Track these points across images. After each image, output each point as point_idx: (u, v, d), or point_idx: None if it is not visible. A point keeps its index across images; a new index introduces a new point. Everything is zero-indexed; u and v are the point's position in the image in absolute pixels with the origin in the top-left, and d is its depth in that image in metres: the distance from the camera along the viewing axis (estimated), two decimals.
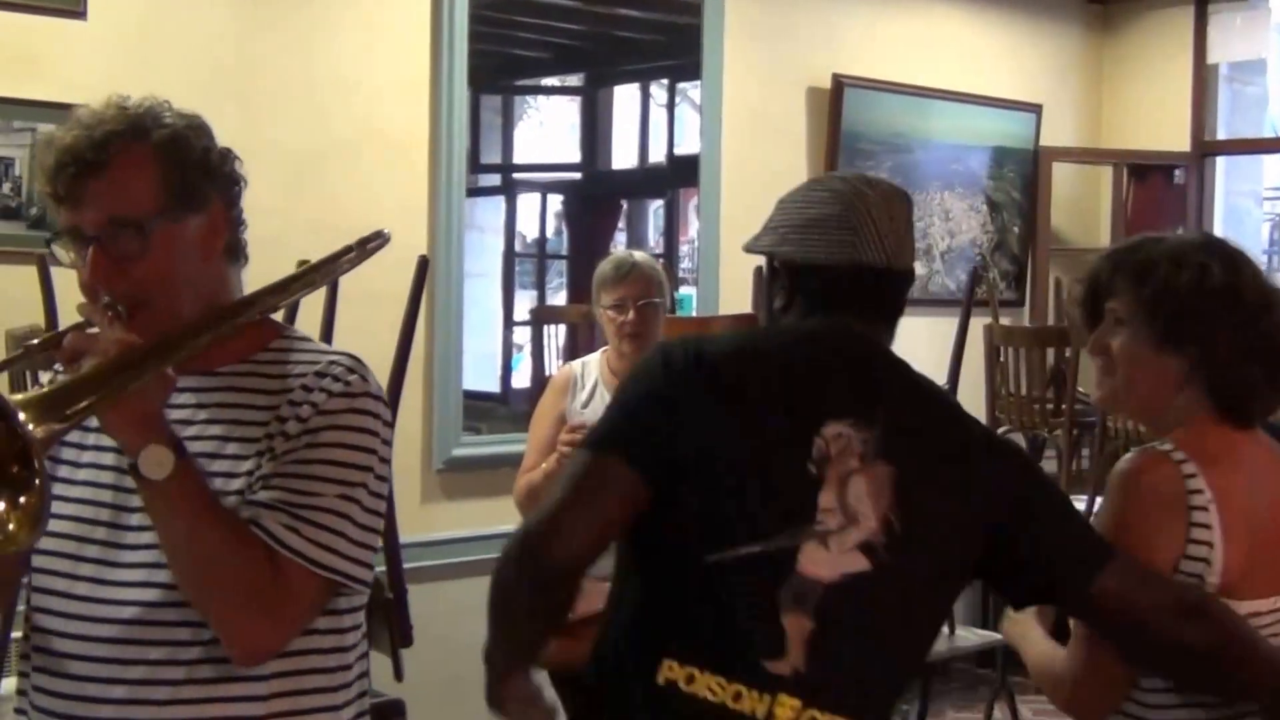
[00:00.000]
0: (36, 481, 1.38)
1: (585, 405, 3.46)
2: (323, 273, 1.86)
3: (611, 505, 1.84)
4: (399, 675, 3.30)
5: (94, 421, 1.63)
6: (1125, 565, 1.86)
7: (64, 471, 1.72)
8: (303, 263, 3.22)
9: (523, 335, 7.75)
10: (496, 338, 7.34)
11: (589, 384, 3.51)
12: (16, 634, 1.78)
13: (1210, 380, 1.98)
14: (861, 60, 5.81)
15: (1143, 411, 2.11)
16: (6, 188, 3.78)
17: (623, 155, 7.90)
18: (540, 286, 7.83)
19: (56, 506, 1.67)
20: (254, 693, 1.64)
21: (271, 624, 1.60)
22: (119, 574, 1.64)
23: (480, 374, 6.16)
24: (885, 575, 1.77)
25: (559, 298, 7.93)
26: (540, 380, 7.45)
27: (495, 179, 7.59)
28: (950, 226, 6.19)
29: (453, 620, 4.29)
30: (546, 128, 8.45)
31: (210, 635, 1.60)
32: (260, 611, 1.58)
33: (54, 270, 3.25)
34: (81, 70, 3.85)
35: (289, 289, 1.80)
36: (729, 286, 5.31)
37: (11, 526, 1.41)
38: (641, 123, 7.78)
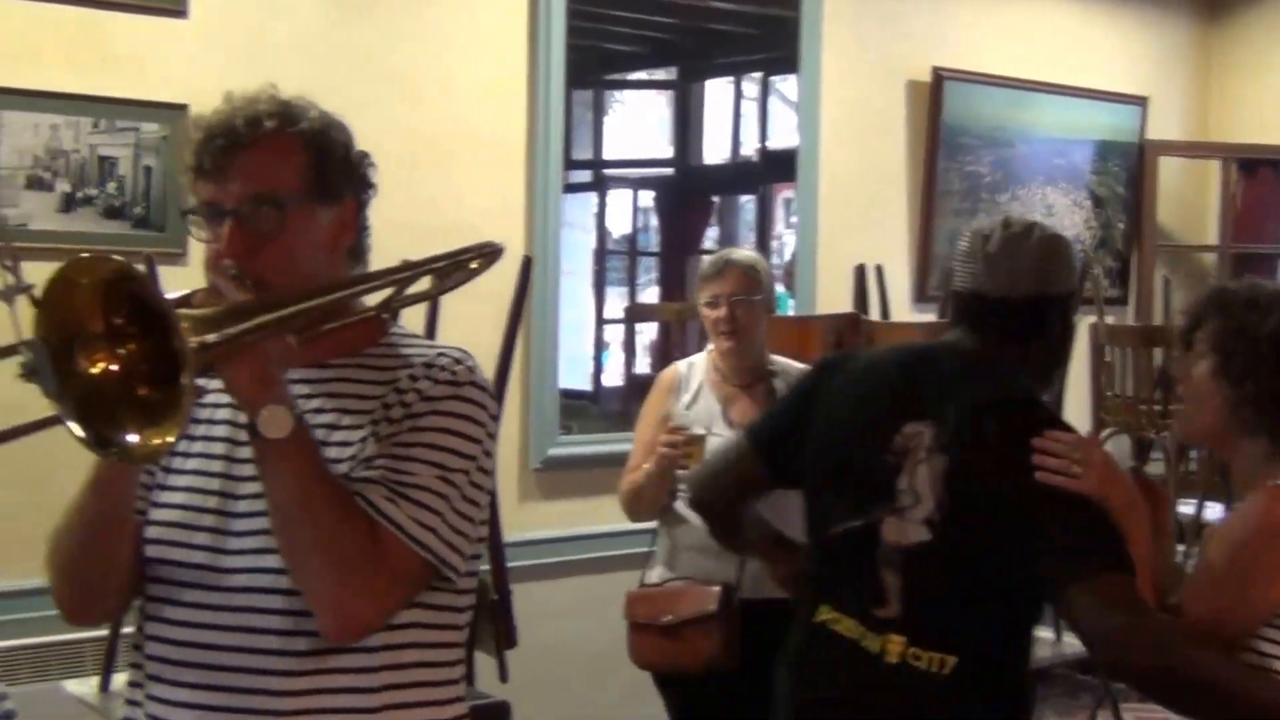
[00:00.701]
0: (185, 384, 1.38)
1: (689, 405, 3.42)
2: (438, 273, 1.84)
3: (732, 475, 2.58)
4: (504, 676, 3.28)
5: (202, 412, 1.69)
6: (1105, 586, 2.03)
7: (175, 462, 1.74)
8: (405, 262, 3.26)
9: (612, 333, 7.73)
10: (587, 336, 7.31)
11: (694, 384, 3.46)
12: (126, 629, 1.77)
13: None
14: (962, 53, 5.70)
15: (1208, 439, 2.32)
16: (111, 187, 3.80)
17: (714, 150, 7.84)
18: (631, 283, 7.78)
19: (166, 495, 1.71)
20: (364, 684, 1.64)
21: (368, 597, 1.59)
22: (228, 560, 1.65)
23: (571, 372, 6.13)
24: (943, 543, 2.17)
25: (650, 295, 7.89)
26: (632, 379, 7.43)
27: (586, 175, 7.56)
28: (1052, 222, 6.04)
29: (553, 620, 4.29)
30: (637, 122, 8.41)
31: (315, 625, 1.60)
32: (358, 584, 1.57)
33: (160, 268, 3.27)
34: (182, 69, 3.87)
35: (405, 278, 1.79)
36: (825, 284, 5.23)
37: (155, 439, 1.41)
38: (734, 117, 7.71)
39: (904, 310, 5.33)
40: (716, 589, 3.27)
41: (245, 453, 1.65)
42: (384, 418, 1.66)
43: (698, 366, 3.49)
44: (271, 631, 1.62)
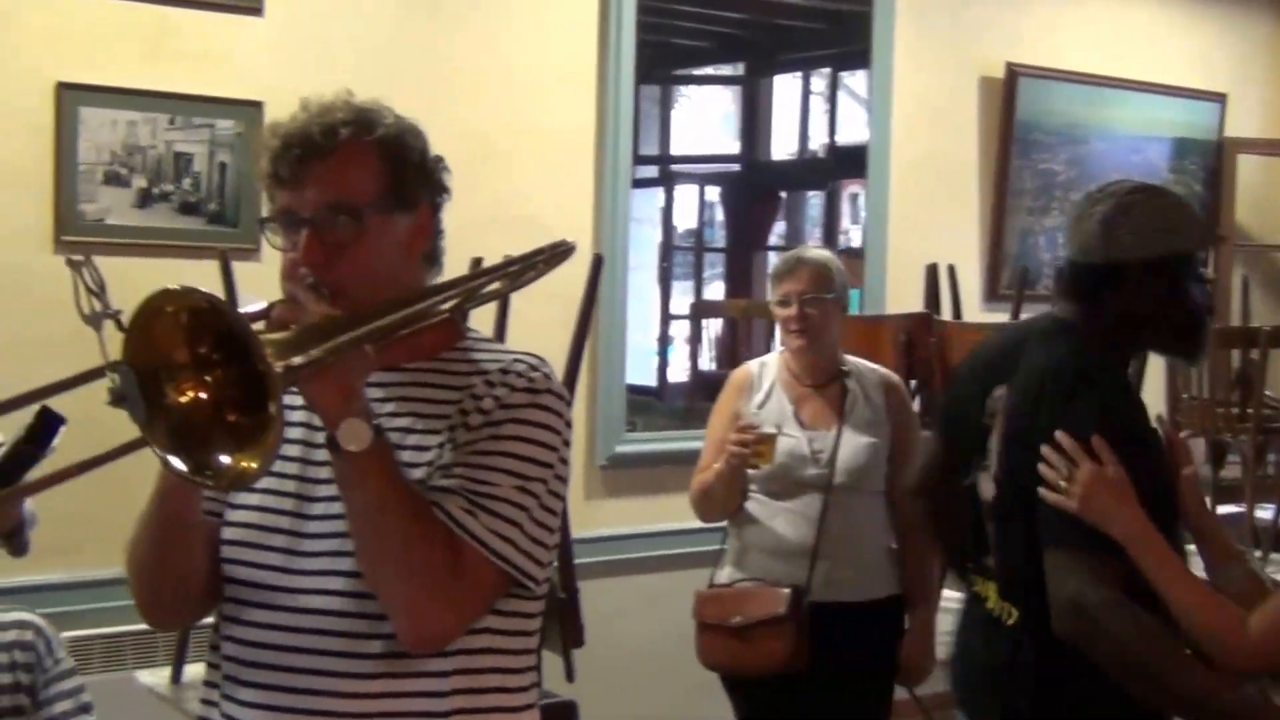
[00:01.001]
0: (272, 411, 1.38)
1: (761, 405, 3.39)
2: (511, 275, 1.85)
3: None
4: (570, 676, 3.27)
5: None
6: (1074, 556, 2.15)
7: None
8: (477, 260, 3.26)
9: (677, 328, 7.71)
10: (652, 331, 7.29)
11: (766, 384, 3.43)
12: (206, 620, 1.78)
13: None
14: (1036, 48, 5.64)
15: None
16: (186, 183, 3.83)
17: (782, 146, 7.80)
18: (697, 279, 7.76)
19: (242, 497, 1.71)
20: (435, 689, 1.64)
21: (448, 609, 1.59)
22: (303, 562, 1.66)
23: (635, 368, 6.13)
24: (1000, 501, 2.33)
25: (715, 291, 7.86)
26: (698, 375, 7.42)
27: (652, 170, 7.54)
28: None
29: (619, 619, 4.28)
30: (704, 118, 8.39)
31: (390, 630, 1.60)
32: (437, 594, 1.57)
33: (234, 264, 3.29)
34: (258, 66, 3.89)
35: (481, 284, 1.80)
36: (896, 281, 5.19)
37: (245, 463, 1.42)
38: (801, 112, 7.67)
39: (974, 310, 5.27)
40: (786, 591, 3.25)
41: (320, 456, 1.64)
42: (461, 424, 1.65)
43: (770, 366, 3.46)
44: (345, 635, 1.62)
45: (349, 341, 1.51)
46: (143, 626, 3.66)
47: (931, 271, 4.59)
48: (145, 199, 3.78)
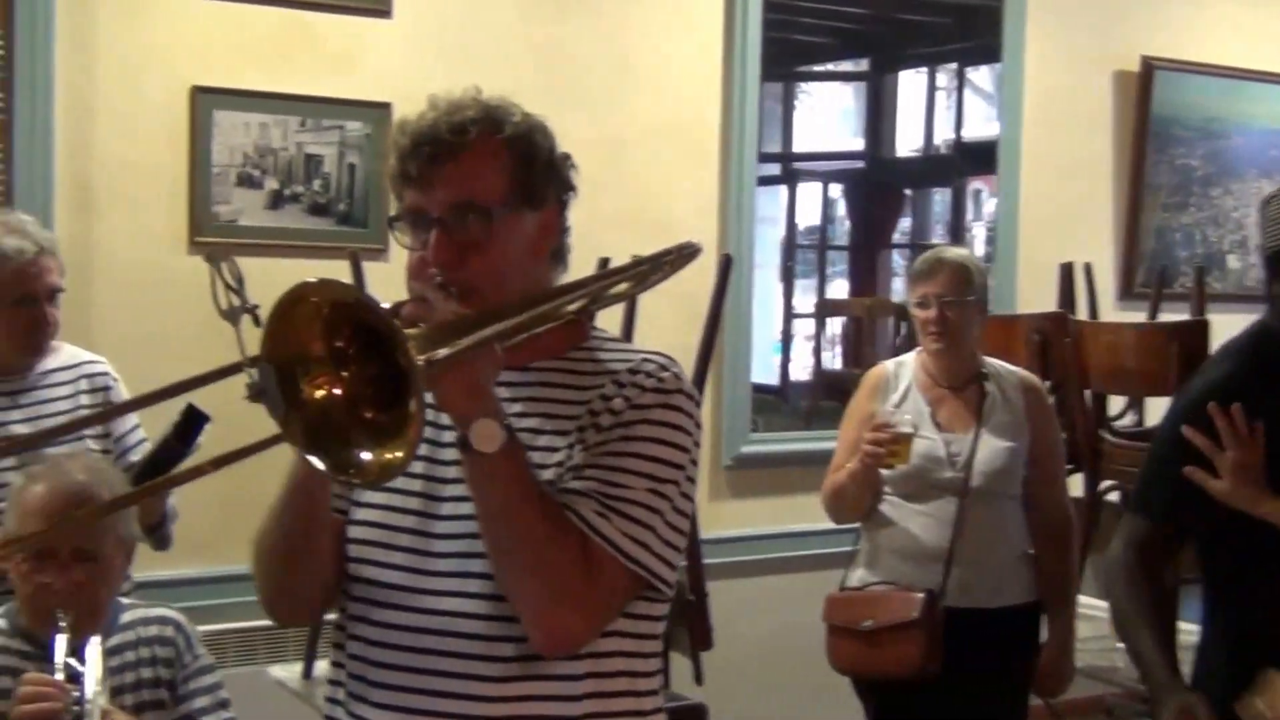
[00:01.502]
0: (413, 406, 1.36)
1: (897, 406, 3.33)
2: (639, 275, 1.83)
3: None
4: (699, 678, 3.25)
5: None
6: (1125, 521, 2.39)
7: None
8: (603, 260, 3.25)
9: (799, 327, 7.65)
10: (774, 330, 7.24)
11: (902, 385, 3.37)
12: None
13: None
14: (1173, 41, 5.49)
15: None
16: (316, 184, 3.88)
17: (906, 142, 7.70)
18: (820, 278, 7.69)
19: (367, 496, 1.70)
20: (567, 692, 1.62)
21: (580, 612, 1.57)
22: (432, 563, 1.64)
23: (757, 368, 6.08)
24: None
25: (837, 289, 7.79)
26: (821, 375, 7.35)
27: (774, 168, 7.49)
28: None
29: (745, 620, 4.25)
30: (826, 114, 8.31)
31: (521, 632, 1.58)
32: (570, 598, 1.55)
33: (364, 264, 3.32)
34: (386, 68, 3.93)
35: (609, 284, 1.79)
36: (1028, 280, 5.08)
37: (388, 455, 1.39)
38: (927, 108, 7.57)
39: (1108, 309, 5.15)
40: (919, 595, 3.19)
41: (447, 455, 1.63)
42: (591, 425, 1.63)
43: (906, 366, 3.40)
44: (477, 638, 1.60)
45: (482, 340, 1.49)
46: (269, 618, 3.75)
47: (1066, 270, 4.48)
48: (276, 200, 3.83)
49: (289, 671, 3.54)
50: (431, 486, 1.67)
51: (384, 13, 3.93)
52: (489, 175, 1.64)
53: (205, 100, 3.73)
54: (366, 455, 1.40)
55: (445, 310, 1.54)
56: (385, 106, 3.85)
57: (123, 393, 2.96)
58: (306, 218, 3.87)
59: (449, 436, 1.58)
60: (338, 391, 1.42)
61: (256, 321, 1.48)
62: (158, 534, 2.94)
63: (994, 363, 3.40)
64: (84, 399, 2.89)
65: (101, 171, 3.66)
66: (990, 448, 3.26)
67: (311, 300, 1.38)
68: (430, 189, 1.64)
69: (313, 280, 1.39)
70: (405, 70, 3.90)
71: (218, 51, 3.76)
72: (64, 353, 2.93)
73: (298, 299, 1.38)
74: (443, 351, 1.41)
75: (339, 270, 3.33)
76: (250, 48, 3.80)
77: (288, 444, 1.44)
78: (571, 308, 1.72)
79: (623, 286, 1.83)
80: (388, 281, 2.90)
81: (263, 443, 1.48)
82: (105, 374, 2.95)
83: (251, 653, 3.80)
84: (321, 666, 3.40)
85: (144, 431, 2.91)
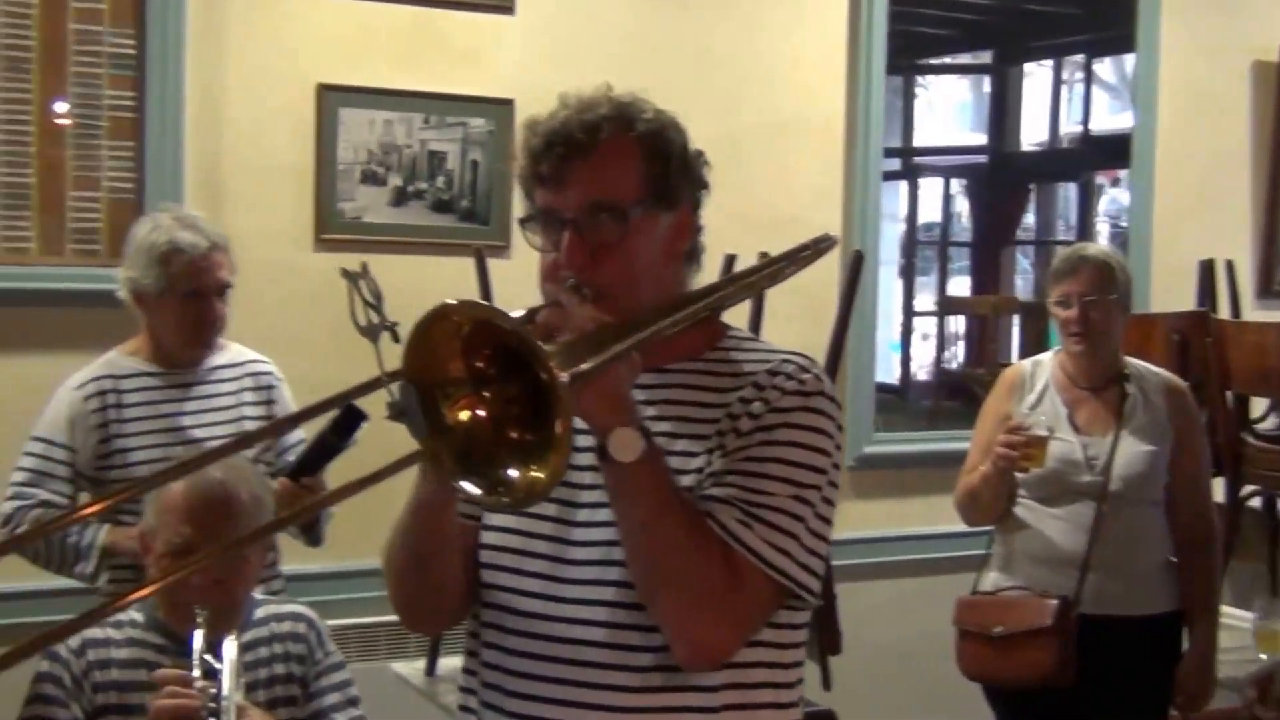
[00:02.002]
0: (559, 426, 1.33)
1: (1033, 407, 3.25)
2: (775, 271, 1.82)
3: None
4: (827, 684, 3.20)
5: None
6: None
7: None
8: (730, 257, 3.20)
9: (919, 324, 7.54)
10: (894, 328, 7.16)
11: (1039, 385, 3.29)
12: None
13: None
14: None
15: None
16: (440, 181, 3.88)
17: (1031, 136, 7.55)
18: (941, 275, 7.58)
19: (497, 517, 1.67)
20: (705, 703, 1.58)
21: (723, 624, 1.53)
22: (568, 572, 1.61)
23: (877, 367, 6.01)
24: None
25: (957, 286, 7.67)
26: (943, 374, 7.24)
27: (895, 163, 7.40)
28: None
29: (871, 624, 4.17)
30: (947, 108, 8.19)
31: (661, 642, 1.55)
32: (713, 609, 1.51)
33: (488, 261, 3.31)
34: (508, 64, 3.92)
35: (748, 283, 1.77)
36: (1163, 277, 4.93)
37: (534, 473, 1.37)
38: (1052, 101, 7.42)
39: (1247, 308, 4.98)
40: (1053, 602, 3.12)
41: (583, 461, 1.59)
42: (730, 429, 1.59)
43: (1044, 366, 3.32)
44: (615, 648, 1.58)
45: (625, 350, 1.46)
46: (397, 618, 3.76)
47: (1206, 267, 4.34)
48: (400, 197, 3.84)
49: (411, 668, 3.55)
50: (568, 494, 1.63)
51: (507, 9, 3.93)
52: (621, 174, 1.61)
53: (331, 98, 3.75)
54: (515, 474, 1.37)
55: (580, 314, 1.50)
56: (508, 103, 3.84)
57: (286, 393, 3.02)
58: (429, 215, 3.87)
59: (585, 443, 1.54)
60: (481, 413, 1.39)
61: (395, 338, 1.45)
62: (312, 533, 2.98)
63: (1136, 363, 3.30)
64: (248, 396, 2.95)
65: (230, 170, 3.69)
66: (1130, 451, 3.17)
67: (453, 319, 1.36)
68: (562, 189, 1.61)
69: (450, 302, 1.37)
70: (528, 67, 3.89)
71: (344, 49, 3.78)
72: (231, 350, 2.99)
73: (439, 317, 1.36)
74: (585, 366, 1.38)
75: (462, 267, 3.33)
76: (375, 45, 3.81)
77: (429, 464, 1.42)
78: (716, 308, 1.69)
79: (756, 281, 1.80)
80: (510, 279, 2.90)
81: (404, 460, 1.45)
82: (270, 373, 3.02)
83: (373, 648, 3.82)
84: (444, 664, 3.40)
85: (303, 432, 2.95)
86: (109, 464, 2.82)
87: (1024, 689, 3.20)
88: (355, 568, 3.59)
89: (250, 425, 2.90)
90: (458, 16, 3.88)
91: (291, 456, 2.89)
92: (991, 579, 3.30)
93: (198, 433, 2.84)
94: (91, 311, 3.46)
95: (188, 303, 2.83)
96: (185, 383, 2.90)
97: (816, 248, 1.82)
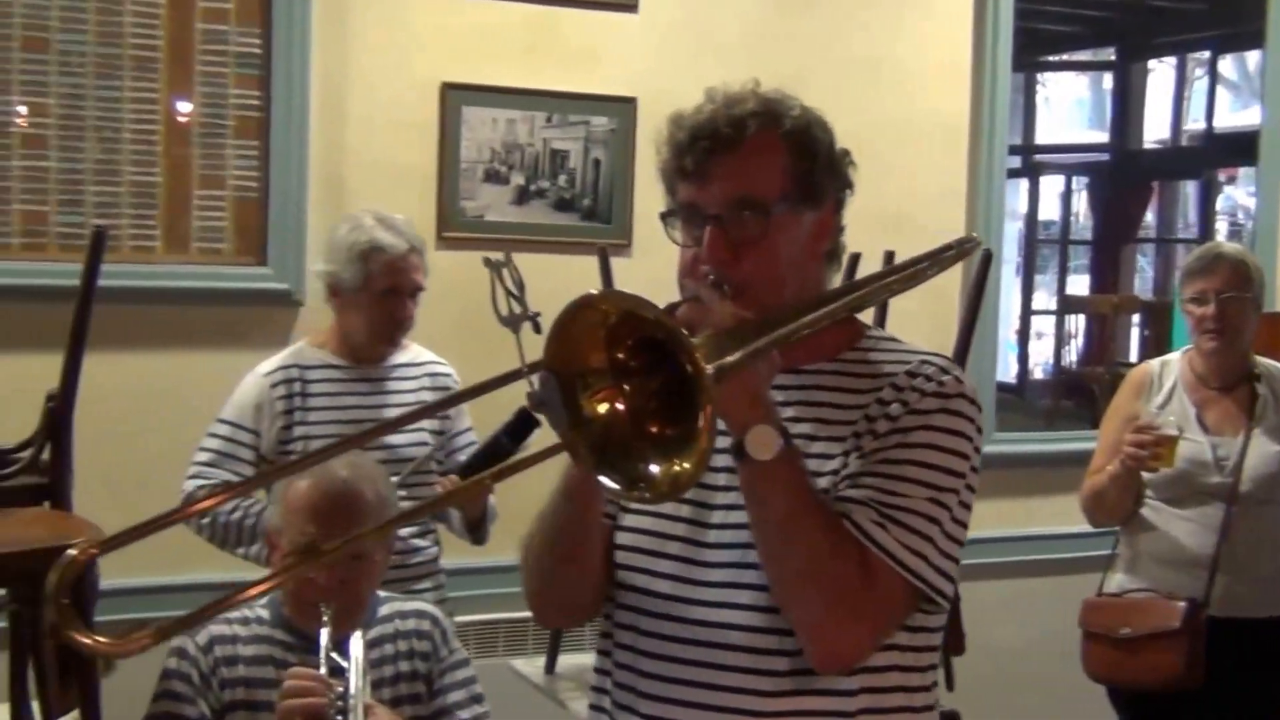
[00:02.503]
0: (702, 418, 1.31)
1: (1162, 406, 3.21)
2: (911, 273, 1.78)
3: None
4: (950, 684, 3.17)
5: None
6: None
7: None
8: (855, 255, 3.19)
9: (1034, 324, 7.44)
10: (1012, 326, 7.07)
11: (1167, 384, 3.25)
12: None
13: None
14: None
15: None
16: (561, 179, 3.92)
17: (1154, 133, 7.42)
18: (1061, 273, 7.47)
19: (631, 514, 1.67)
20: (842, 708, 1.58)
21: (858, 627, 1.51)
22: (702, 574, 1.61)
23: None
24: None
25: (1076, 284, 7.56)
26: (1062, 373, 7.14)
27: (1015, 161, 7.32)
28: None
29: (993, 625, 4.13)
30: (1064, 105, 8.07)
31: (795, 645, 1.54)
32: (848, 611, 1.50)
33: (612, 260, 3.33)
34: (631, 63, 3.94)
35: (887, 283, 1.73)
36: None
37: (676, 467, 1.35)
38: (1175, 98, 7.28)
39: None
40: (1181, 604, 3.08)
41: (718, 461, 1.55)
42: (867, 430, 1.57)
43: (1172, 365, 3.27)
44: (750, 651, 1.57)
45: (765, 346, 1.45)
46: (516, 615, 3.79)
47: None
48: (522, 195, 3.88)
49: (531, 665, 3.56)
50: (702, 494, 1.62)
51: (630, 7, 3.95)
52: (767, 170, 1.60)
53: (454, 96, 3.80)
54: (655, 468, 1.36)
55: (720, 310, 1.49)
56: (630, 101, 3.86)
57: None
58: (552, 213, 3.91)
59: (720, 443, 1.54)
60: (621, 406, 1.39)
61: (537, 329, 1.46)
62: (478, 532, 3.03)
63: (1267, 363, 3.25)
64: (426, 395, 3.02)
65: (353, 168, 3.75)
66: (1261, 452, 3.12)
67: (600, 308, 1.35)
68: (706, 184, 1.60)
69: (594, 293, 1.36)
70: (650, 65, 3.90)
71: (466, 48, 3.83)
72: (411, 350, 3.07)
73: (584, 306, 1.35)
74: (730, 359, 1.37)
75: (586, 265, 3.34)
76: (498, 44, 3.85)
77: (569, 456, 1.42)
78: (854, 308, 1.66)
79: (895, 283, 1.76)
80: (631, 276, 2.91)
81: (544, 453, 1.46)
82: (448, 374, 3.09)
83: (492, 645, 3.86)
84: (564, 661, 3.42)
85: (474, 435, 3.01)
86: (289, 450, 2.91)
87: (1149, 692, 3.16)
88: (473, 565, 3.62)
89: (426, 423, 2.98)
90: (580, 15, 3.91)
91: (462, 456, 2.96)
92: (1117, 580, 3.27)
93: None
94: (215, 310, 3.54)
95: (382, 300, 2.92)
96: (368, 378, 2.99)
97: (960, 249, 1.80)
